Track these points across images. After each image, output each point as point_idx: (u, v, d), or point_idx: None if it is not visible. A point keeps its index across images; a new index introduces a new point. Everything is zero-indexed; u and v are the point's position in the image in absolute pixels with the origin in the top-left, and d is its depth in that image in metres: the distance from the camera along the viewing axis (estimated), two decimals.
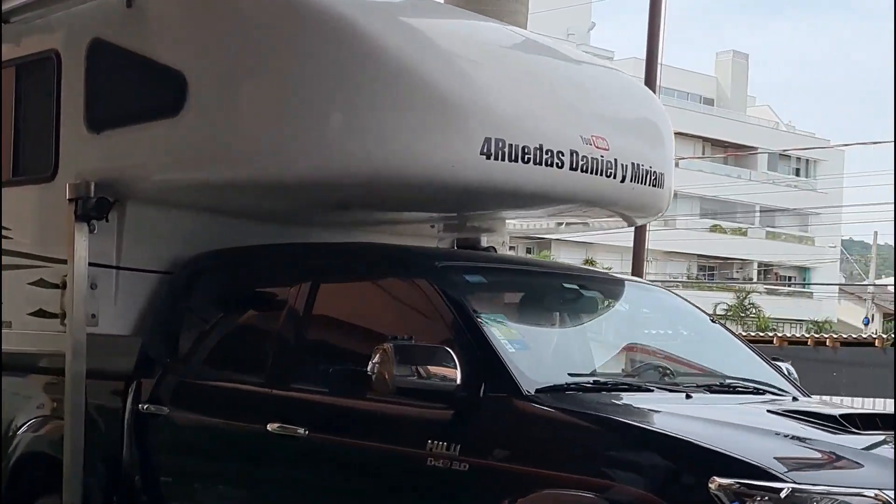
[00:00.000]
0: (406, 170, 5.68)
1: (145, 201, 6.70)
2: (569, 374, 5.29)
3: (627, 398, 5.16)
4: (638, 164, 6.27)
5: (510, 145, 5.73)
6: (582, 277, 6.43)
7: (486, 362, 5.12)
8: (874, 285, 58.73)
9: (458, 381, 5.05)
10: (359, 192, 6.03)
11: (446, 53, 5.82)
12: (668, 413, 4.91)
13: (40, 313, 6.96)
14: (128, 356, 6.78)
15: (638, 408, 5.02)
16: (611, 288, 6.50)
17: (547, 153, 5.84)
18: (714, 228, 64.59)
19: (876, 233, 60.61)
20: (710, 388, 5.56)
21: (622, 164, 6.18)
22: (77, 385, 6.56)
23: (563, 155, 5.90)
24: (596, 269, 6.02)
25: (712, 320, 6.48)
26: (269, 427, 5.74)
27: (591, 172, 6.03)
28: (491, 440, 4.96)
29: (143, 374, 6.67)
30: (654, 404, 5.12)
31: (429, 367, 5.05)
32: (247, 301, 6.58)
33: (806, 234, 69.48)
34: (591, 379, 5.26)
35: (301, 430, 5.60)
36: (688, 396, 5.29)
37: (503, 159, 5.71)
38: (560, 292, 6.12)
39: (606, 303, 6.31)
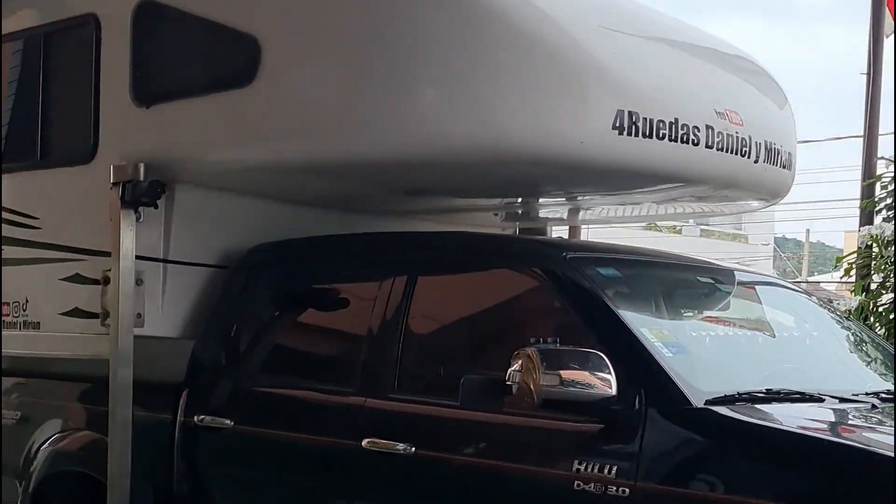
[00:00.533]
0: (526, 147, 4.94)
1: (197, 185, 5.90)
2: (733, 382, 4.55)
3: (809, 410, 4.44)
4: (770, 143, 5.57)
5: (644, 119, 5.02)
6: (714, 270, 5.69)
7: (642, 369, 4.40)
8: (807, 282, 59.00)
9: (614, 392, 4.31)
10: (463, 173, 5.28)
11: (570, 16, 5.08)
12: (872, 428, 4.20)
13: (76, 313, 6.13)
14: (177, 361, 5.97)
15: (834, 422, 4.30)
16: (742, 282, 5.77)
17: (682, 128, 5.14)
18: (649, 226, 64.35)
19: (808, 230, 60.91)
20: (879, 396, 4.84)
21: (756, 143, 5.48)
22: (123, 394, 5.75)
23: (698, 130, 5.20)
24: (721, 262, 5.40)
25: (846, 318, 5.79)
26: (364, 443, 4.97)
27: (726, 150, 5.34)
28: (657, 461, 4.24)
29: (196, 382, 5.87)
30: (847, 418, 4.40)
31: (579, 375, 4.29)
32: (322, 298, 5.78)
33: (739, 231, 69.59)
34: (762, 388, 4.51)
35: (404, 447, 4.84)
36: (873, 407, 4.59)
37: (636, 135, 5.00)
38: (698, 287, 5.40)
39: (744, 298, 5.59)
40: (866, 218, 12.13)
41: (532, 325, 4.88)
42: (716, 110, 5.29)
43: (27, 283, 6.40)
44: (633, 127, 4.97)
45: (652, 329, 4.59)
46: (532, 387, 4.29)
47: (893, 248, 10.34)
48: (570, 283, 4.74)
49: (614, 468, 4.25)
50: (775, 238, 68.58)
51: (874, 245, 10.66)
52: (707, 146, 5.24)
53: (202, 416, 5.70)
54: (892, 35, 13.09)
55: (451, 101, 5.01)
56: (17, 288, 6.43)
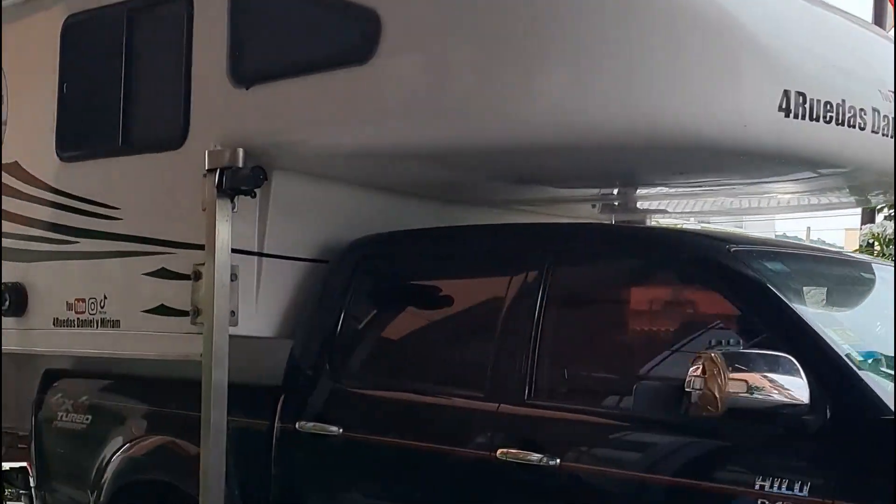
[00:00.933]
0: (683, 132, 4.52)
1: (296, 172, 5.45)
2: None
3: None
4: None
5: (812, 100, 4.59)
6: (868, 265, 5.27)
7: (835, 375, 3.98)
8: None
9: (806, 400, 3.88)
10: (603, 158, 4.85)
11: None
12: None
13: (162, 310, 5.67)
14: (273, 363, 5.54)
15: None
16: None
17: (849, 111, 4.71)
18: None
19: (808, 228, 60.73)
20: None
21: None
22: (218, 398, 5.29)
23: (864, 113, 4.78)
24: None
25: None
26: (499, 454, 4.53)
27: (892, 136, 4.90)
28: (857, 478, 3.82)
29: (295, 386, 5.43)
30: None
31: (767, 381, 3.87)
32: (439, 295, 5.34)
33: (741, 229, 69.35)
34: None
35: (546, 459, 4.41)
36: None
37: (803, 118, 4.57)
38: (863, 283, 4.97)
39: None
40: (868, 216, 11.95)
41: (694, 324, 4.47)
42: (880, 91, 4.87)
43: (105, 279, 5.96)
44: (801, 109, 4.55)
45: (836, 330, 4.16)
46: (717, 393, 3.85)
47: (894, 247, 10.18)
48: (739, 279, 4.32)
49: (807, 486, 3.84)
50: (776, 236, 68.53)
51: (875, 243, 10.55)
52: (873, 131, 4.82)
53: (304, 422, 5.25)
54: (894, 30, 12.89)
55: (593, 80, 4.60)
56: (94, 283, 5.99)
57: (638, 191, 6.21)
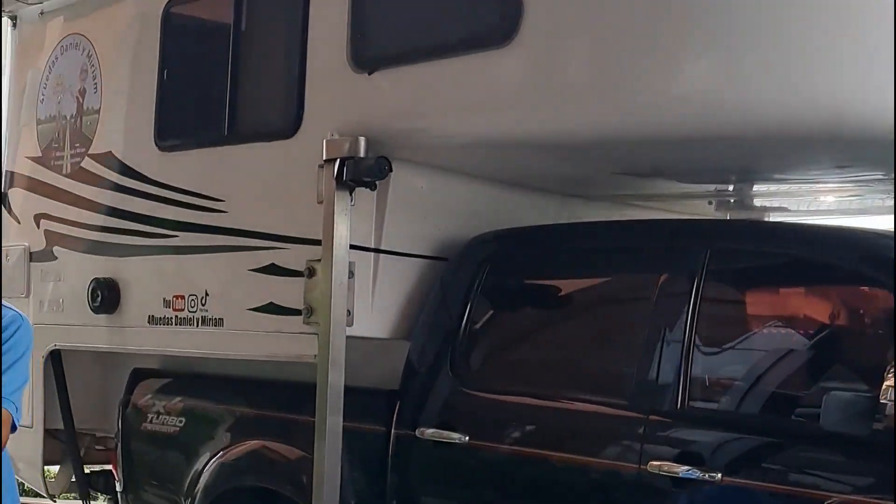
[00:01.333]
0: (854, 122, 4.18)
1: (415, 164, 5.15)
2: None
3: None
4: None
5: None
6: None
7: None
8: None
9: None
10: (760, 150, 4.56)
11: None
12: None
13: (270, 308, 5.36)
14: (389, 365, 5.24)
15: None
16: None
17: None
18: None
19: None
20: None
21: None
22: (334, 402, 4.99)
23: None
24: None
25: None
26: (649, 467, 4.21)
27: None
28: None
29: (413, 390, 5.12)
30: None
31: None
32: (576, 295, 5.05)
33: None
34: None
35: (706, 473, 4.08)
36: None
37: None
38: None
39: None
40: None
41: (870, 328, 4.14)
42: None
43: (207, 274, 5.67)
44: None
45: None
46: None
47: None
48: None
49: None
50: None
51: None
52: None
53: (424, 429, 4.94)
54: None
55: (747, 66, 4.29)
56: (194, 279, 5.71)
57: (755, 187, 5.91)
